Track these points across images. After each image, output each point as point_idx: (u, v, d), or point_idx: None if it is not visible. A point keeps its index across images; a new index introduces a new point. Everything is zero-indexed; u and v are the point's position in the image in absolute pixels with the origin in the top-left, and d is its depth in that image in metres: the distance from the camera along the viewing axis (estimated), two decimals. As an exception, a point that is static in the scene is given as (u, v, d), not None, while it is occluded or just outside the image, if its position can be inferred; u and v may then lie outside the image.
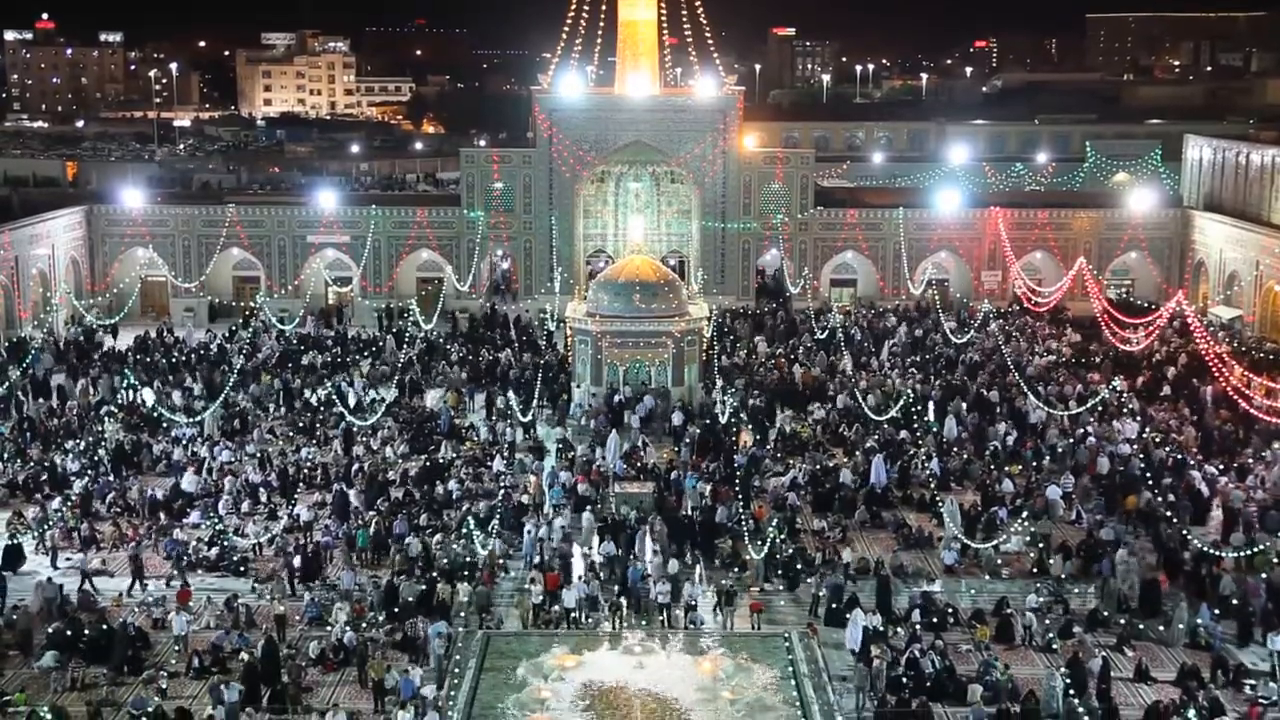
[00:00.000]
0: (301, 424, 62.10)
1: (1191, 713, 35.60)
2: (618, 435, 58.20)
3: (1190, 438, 59.14)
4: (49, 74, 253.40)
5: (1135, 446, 57.34)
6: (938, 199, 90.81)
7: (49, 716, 34.42)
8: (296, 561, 46.03)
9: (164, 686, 38.07)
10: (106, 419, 59.29)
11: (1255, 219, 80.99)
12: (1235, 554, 46.20)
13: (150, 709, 36.07)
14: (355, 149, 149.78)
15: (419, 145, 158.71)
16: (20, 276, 77.94)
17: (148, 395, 63.05)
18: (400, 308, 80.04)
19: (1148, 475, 52.86)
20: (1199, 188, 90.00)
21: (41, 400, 65.13)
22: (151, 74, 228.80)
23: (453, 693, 37.83)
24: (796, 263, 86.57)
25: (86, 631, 40.44)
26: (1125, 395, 61.33)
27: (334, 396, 61.98)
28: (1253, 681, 38.93)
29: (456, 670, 39.26)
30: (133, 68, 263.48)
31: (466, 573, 44.72)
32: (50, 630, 40.77)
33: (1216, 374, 61.89)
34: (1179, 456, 55.73)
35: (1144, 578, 44.64)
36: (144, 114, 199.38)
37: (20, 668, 39.61)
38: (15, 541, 47.64)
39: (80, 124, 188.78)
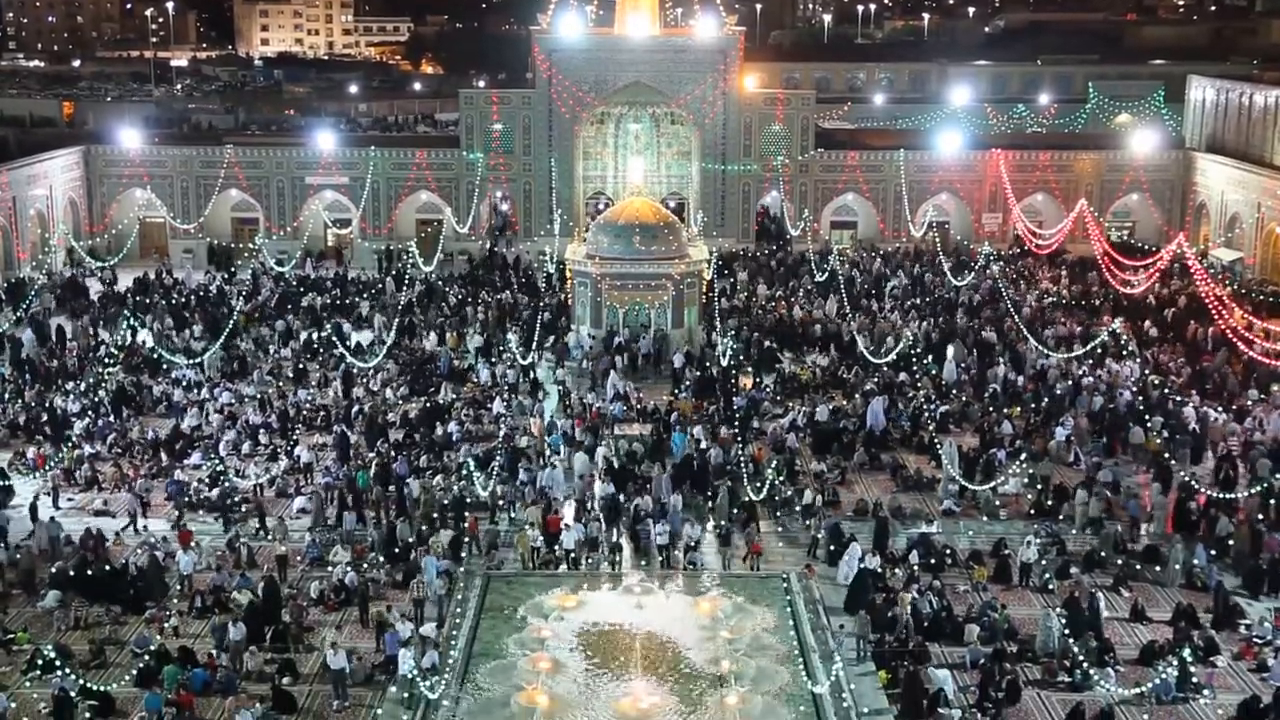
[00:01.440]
0: (301, 366, 62.18)
1: (1186, 652, 35.87)
2: (616, 377, 58.30)
3: (1186, 378, 59.32)
4: (45, 12, 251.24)
5: (1135, 388, 57.46)
6: (939, 141, 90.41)
7: (52, 655, 34.66)
8: (298, 503, 46.32)
9: (175, 625, 38.43)
10: (106, 360, 59.33)
11: (1258, 161, 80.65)
12: (1231, 495, 46.27)
13: (153, 647, 36.36)
14: (353, 89, 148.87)
15: (417, 86, 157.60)
16: (18, 217, 77.74)
17: (147, 337, 63.00)
18: (400, 249, 79.85)
19: (1145, 414, 53.05)
20: (1202, 129, 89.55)
21: (41, 341, 65.13)
22: (148, 13, 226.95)
23: (453, 633, 38.12)
24: (797, 205, 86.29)
25: (89, 571, 40.68)
26: (1125, 337, 61.25)
27: (334, 338, 61.96)
28: (1248, 622, 39.21)
29: (457, 611, 39.55)
30: (129, 6, 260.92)
31: (452, 516, 44.79)
32: (53, 569, 41.02)
33: (1216, 316, 61.89)
34: (1178, 398, 55.87)
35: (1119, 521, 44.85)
36: (140, 53, 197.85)
37: (23, 607, 39.88)
38: (7, 482, 47.83)
39: (77, 63, 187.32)
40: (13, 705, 34.20)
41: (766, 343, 64.13)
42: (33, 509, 45.15)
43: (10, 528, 44.14)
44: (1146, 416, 52.63)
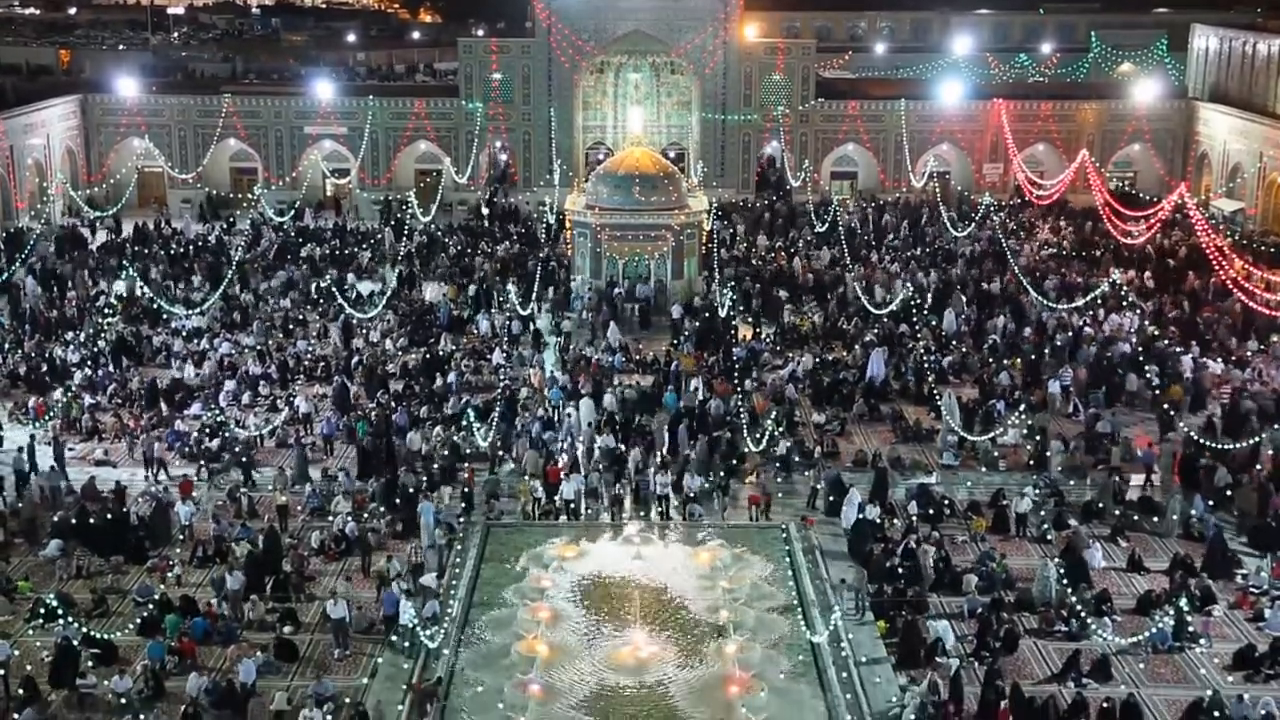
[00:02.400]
0: (300, 316, 62.16)
1: (1183, 602, 36.05)
2: (615, 329, 58.28)
3: (1185, 328, 59.39)
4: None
5: (1135, 339, 57.50)
6: (940, 90, 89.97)
7: (55, 604, 34.83)
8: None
9: (178, 574, 38.64)
10: (106, 310, 59.27)
11: (1261, 110, 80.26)
12: (1230, 446, 46.31)
13: (155, 597, 36.55)
14: (351, 38, 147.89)
15: (416, 34, 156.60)
16: (16, 166, 77.45)
17: (146, 287, 62.91)
18: (399, 200, 79.61)
19: (1143, 364, 53.17)
20: (1204, 78, 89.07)
21: (40, 291, 65.07)
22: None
23: (453, 582, 38.30)
24: (797, 155, 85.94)
25: (91, 520, 40.82)
26: (1125, 288, 61.23)
27: (333, 289, 61.90)
28: (1244, 571, 39.38)
29: (457, 560, 39.72)
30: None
31: (452, 467, 44.79)
32: (55, 519, 41.16)
33: (1216, 267, 61.79)
34: (1177, 349, 55.92)
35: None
36: (137, 0, 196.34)
37: (26, 556, 40.04)
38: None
39: (73, 10, 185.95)
40: (16, 653, 34.38)
41: (772, 291, 64.03)
42: (31, 455, 45.25)
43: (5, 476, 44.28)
44: (1145, 366, 52.68)
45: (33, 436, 47.00)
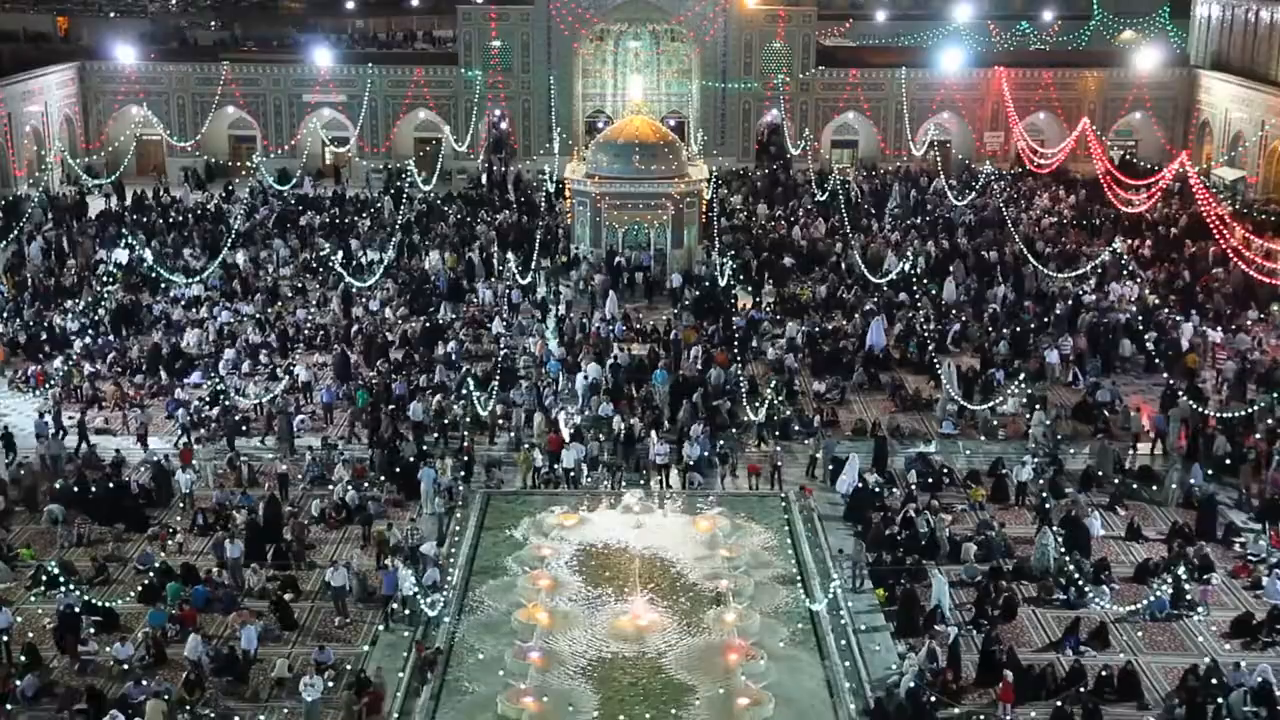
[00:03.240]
0: (300, 285, 62.11)
1: (1181, 570, 36.16)
2: (615, 297, 58.24)
3: (1183, 296, 59.44)
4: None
5: (1135, 307, 57.51)
6: (941, 58, 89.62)
7: (56, 570, 34.93)
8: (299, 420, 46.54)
9: (180, 541, 38.77)
10: (105, 278, 59.21)
11: (1263, 78, 79.93)
12: (1230, 415, 46.36)
13: (156, 564, 36.65)
14: (350, 5, 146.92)
15: (415, 1, 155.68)
16: (14, 134, 77.19)
17: (146, 255, 62.80)
18: (398, 168, 79.40)
19: (1140, 331, 53.24)
20: (1207, 46, 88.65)
21: (40, 259, 65.02)
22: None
23: (453, 550, 38.41)
24: (798, 123, 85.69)
25: (92, 488, 40.91)
26: (1126, 257, 61.21)
27: (332, 258, 61.84)
28: (1242, 540, 39.49)
29: (457, 529, 39.82)
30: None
31: (454, 445, 44.78)
32: (56, 486, 41.25)
33: (1217, 235, 61.71)
34: (1177, 318, 55.94)
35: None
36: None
37: (27, 523, 40.13)
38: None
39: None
40: (18, 620, 34.53)
41: (772, 259, 63.96)
42: (58, 420, 45.49)
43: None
44: (1144, 333, 52.69)
45: (58, 405, 47.01)
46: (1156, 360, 50.03)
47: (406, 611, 35.01)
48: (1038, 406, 46.82)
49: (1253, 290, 59.59)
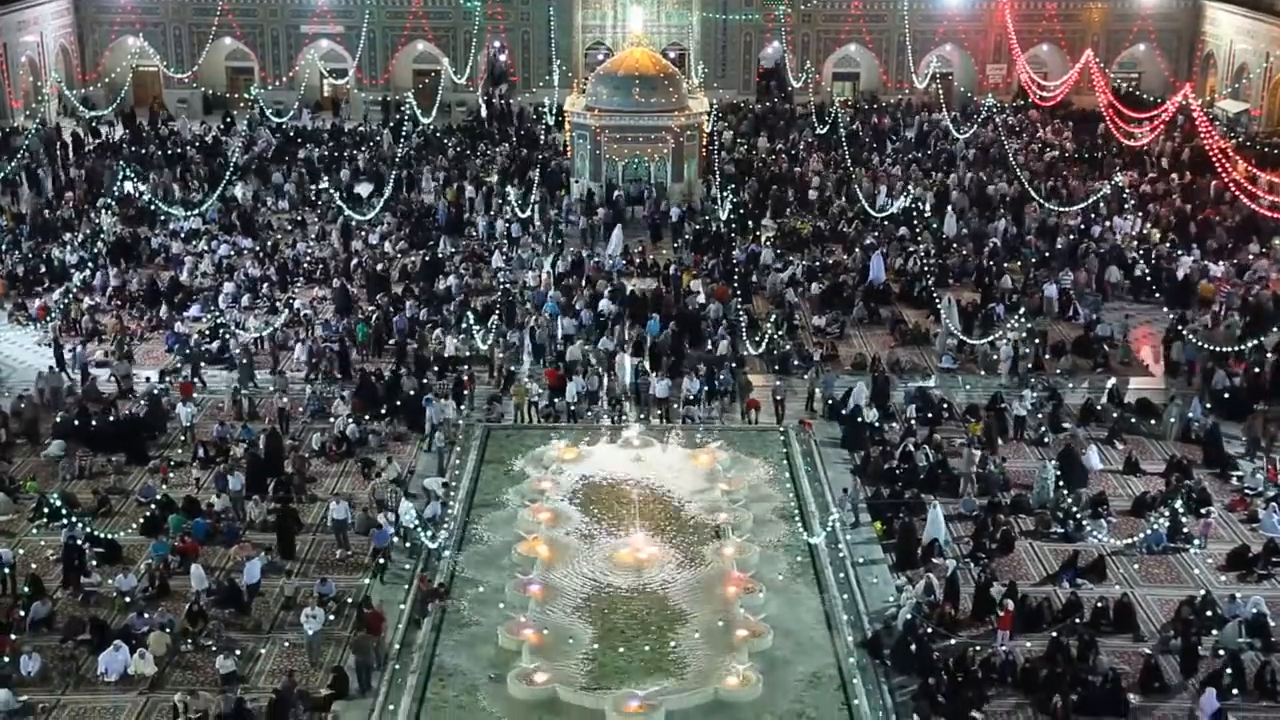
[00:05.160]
0: (299, 218, 61.92)
1: (1179, 503, 36.33)
2: (621, 232, 58.02)
3: (1184, 230, 59.32)
4: None
5: (1136, 242, 57.39)
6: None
7: (59, 503, 35.09)
8: (300, 354, 46.56)
9: (191, 473, 38.86)
10: (103, 211, 58.98)
11: (1268, 10, 79.02)
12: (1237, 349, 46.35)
13: (158, 497, 36.82)
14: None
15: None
16: (9, 65, 76.56)
17: (143, 188, 62.57)
18: (397, 101, 78.83)
19: (1134, 261, 53.32)
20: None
21: (37, 192, 64.78)
22: None
23: (454, 484, 38.57)
24: (799, 56, 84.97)
25: (93, 421, 41.01)
26: (1127, 191, 60.97)
27: (331, 190, 61.58)
28: (1240, 473, 39.64)
29: (457, 462, 39.96)
30: None
31: (453, 387, 44.74)
32: (57, 419, 41.34)
33: (1220, 169, 61.42)
34: (1178, 252, 55.83)
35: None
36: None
37: (28, 456, 40.27)
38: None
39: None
40: (21, 552, 34.75)
41: (773, 192, 63.69)
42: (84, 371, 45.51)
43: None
44: (1135, 261, 52.75)
45: (58, 338, 47.13)
46: (1154, 289, 50.11)
47: (408, 545, 35.13)
48: (1004, 341, 46.78)
49: (1255, 224, 59.39)
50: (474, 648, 31.41)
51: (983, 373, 46.69)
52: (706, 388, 44.01)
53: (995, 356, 46.40)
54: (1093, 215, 60.44)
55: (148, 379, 44.86)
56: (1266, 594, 33.19)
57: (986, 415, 42.35)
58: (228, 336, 47.11)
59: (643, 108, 62.67)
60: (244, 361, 45.51)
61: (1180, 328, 47.02)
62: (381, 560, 34.44)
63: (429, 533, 34.93)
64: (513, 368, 46.13)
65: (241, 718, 28.26)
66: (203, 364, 45.82)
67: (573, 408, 43.24)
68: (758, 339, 46.58)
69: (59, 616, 32.12)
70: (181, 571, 33.65)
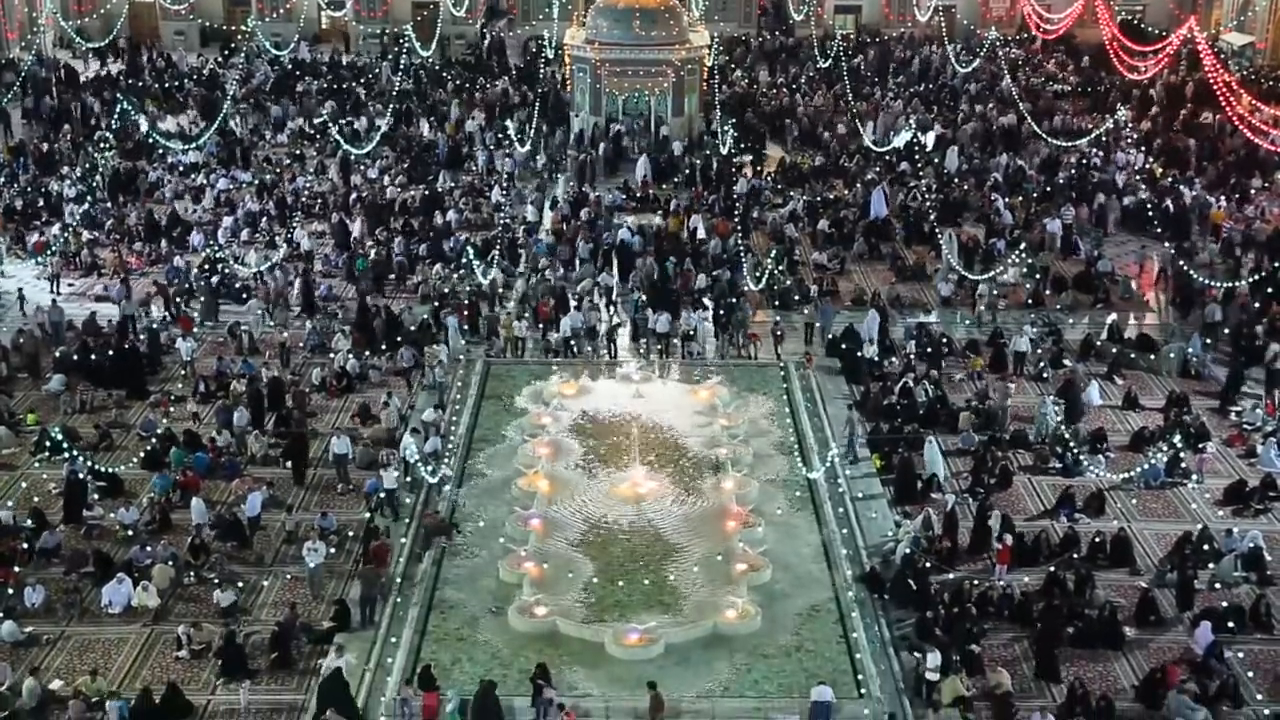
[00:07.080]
0: (298, 152, 61.61)
1: (1177, 438, 36.43)
2: (647, 160, 57.59)
3: (1187, 163, 59.13)
4: None
5: (1139, 176, 57.16)
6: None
7: (60, 437, 35.18)
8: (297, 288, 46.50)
9: (192, 410, 38.95)
10: (101, 144, 58.68)
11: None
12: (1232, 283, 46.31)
13: (159, 431, 36.91)
14: None
15: None
16: (4, -3, 75.94)
17: (141, 121, 62.19)
18: (396, 33, 78.15)
19: (1146, 204, 53.08)
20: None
21: (34, 125, 64.42)
22: None
23: (454, 418, 38.66)
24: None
25: (92, 355, 41.04)
26: (1129, 125, 60.62)
27: (329, 124, 61.19)
28: (1238, 409, 39.72)
29: (457, 397, 40.03)
30: None
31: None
32: (57, 354, 41.37)
33: (1224, 103, 60.98)
34: (1181, 187, 55.61)
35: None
36: None
37: (29, 390, 40.33)
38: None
39: None
40: (24, 485, 34.90)
41: (777, 126, 63.39)
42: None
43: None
44: (1134, 194, 52.72)
45: (57, 272, 47.13)
46: (1155, 222, 50.08)
47: (409, 479, 35.27)
48: (981, 280, 46.71)
49: (1258, 158, 59.12)
50: (475, 581, 31.60)
51: (983, 307, 46.24)
52: (706, 322, 43.94)
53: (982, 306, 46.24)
54: (1095, 150, 60.13)
55: (147, 313, 44.83)
56: (1263, 528, 33.36)
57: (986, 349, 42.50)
58: (227, 271, 47.01)
59: (643, 41, 62.12)
60: (208, 294, 45.45)
61: (1181, 262, 46.93)
62: (374, 507, 34.18)
63: (429, 467, 35.03)
64: (510, 304, 46.06)
65: (238, 651, 28.40)
66: (219, 301, 45.73)
67: (572, 342, 43.18)
68: (758, 274, 46.50)
69: (62, 549, 32.29)
70: (183, 505, 33.81)
